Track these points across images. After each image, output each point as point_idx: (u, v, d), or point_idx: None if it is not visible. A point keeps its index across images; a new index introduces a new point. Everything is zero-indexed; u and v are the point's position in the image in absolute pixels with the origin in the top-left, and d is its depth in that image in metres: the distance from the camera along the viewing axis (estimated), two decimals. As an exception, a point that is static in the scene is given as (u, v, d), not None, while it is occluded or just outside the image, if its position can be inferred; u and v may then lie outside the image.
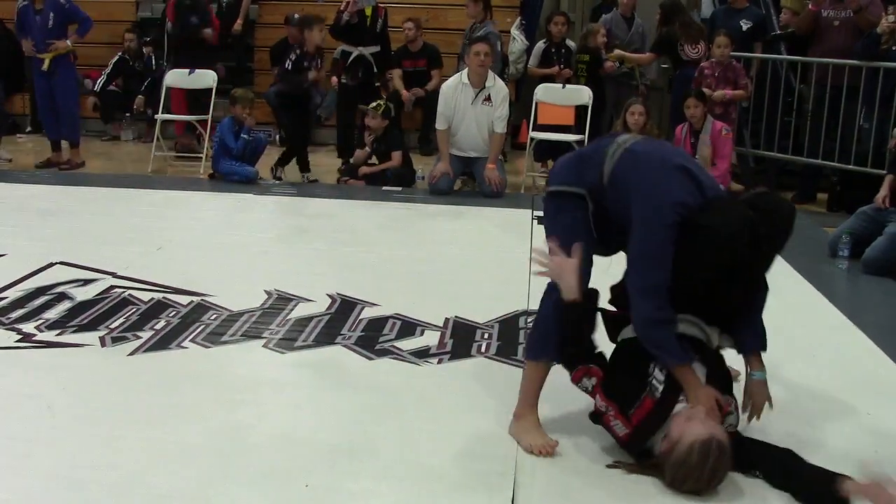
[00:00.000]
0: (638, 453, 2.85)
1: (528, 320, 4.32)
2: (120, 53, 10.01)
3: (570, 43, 8.84)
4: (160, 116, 8.71)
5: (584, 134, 8.22)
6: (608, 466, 2.89)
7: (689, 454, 2.64)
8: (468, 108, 7.54)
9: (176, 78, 8.91)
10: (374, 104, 7.87)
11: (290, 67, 8.05)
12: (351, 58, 8.53)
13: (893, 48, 7.29)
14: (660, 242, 2.80)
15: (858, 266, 5.62)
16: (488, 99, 7.55)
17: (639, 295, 2.89)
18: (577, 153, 3.35)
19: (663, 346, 2.84)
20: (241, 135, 7.68)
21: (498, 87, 7.62)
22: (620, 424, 2.84)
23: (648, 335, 2.88)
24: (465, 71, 7.63)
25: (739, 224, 2.75)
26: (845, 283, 5.43)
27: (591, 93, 8.34)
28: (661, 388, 2.81)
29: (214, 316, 4.23)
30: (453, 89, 7.61)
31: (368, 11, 8.47)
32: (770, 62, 8.28)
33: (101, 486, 2.72)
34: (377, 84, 8.87)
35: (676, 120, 7.78)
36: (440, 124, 7.65)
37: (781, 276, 4.09)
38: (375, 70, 8.72)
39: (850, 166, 7.62)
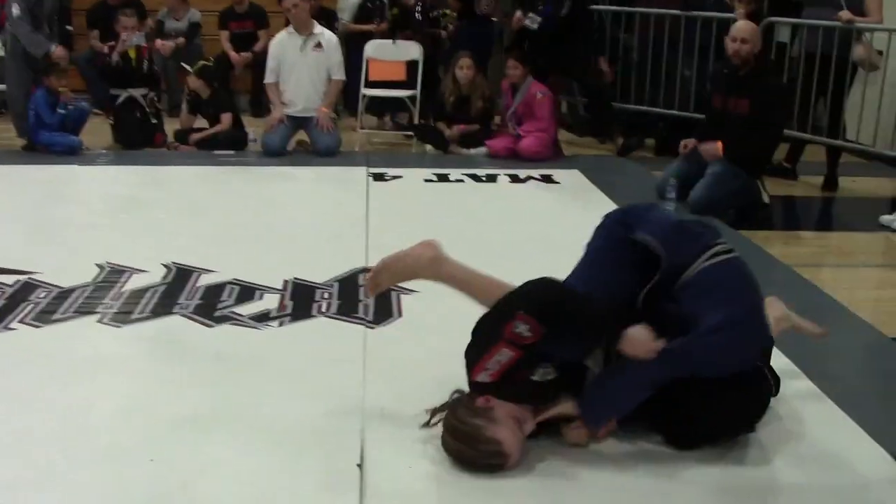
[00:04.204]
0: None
1: (368, 277, 4.33)
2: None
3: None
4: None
5: (415, 89, 8.26)
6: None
7: (469, 431, 2.64)
8: (298, 57, 7.52)
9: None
10: (196, 66, 7.74)
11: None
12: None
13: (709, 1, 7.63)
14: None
15: (685, 207, 5.86)
16: (319, 46, 7.52)
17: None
18: (677, 222, 2.99)
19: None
20: (58, 109, 7.34)
21: (328, 36, 7.64)
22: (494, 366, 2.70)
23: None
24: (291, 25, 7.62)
25: None
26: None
27: (421, 48, 8.37)
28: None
29: (44, 294, 4.09)
30: (280, 42, 7.63)
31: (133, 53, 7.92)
32: (596, 13, 8.45)
33: (-67, 479, 2.62)
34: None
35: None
36: (269, 78, 7.63)
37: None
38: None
39: (675, 111, 7.93)
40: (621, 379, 2.73)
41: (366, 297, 2.99)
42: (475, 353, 2.73)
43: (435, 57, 8.84)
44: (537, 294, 2.65)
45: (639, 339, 2.64)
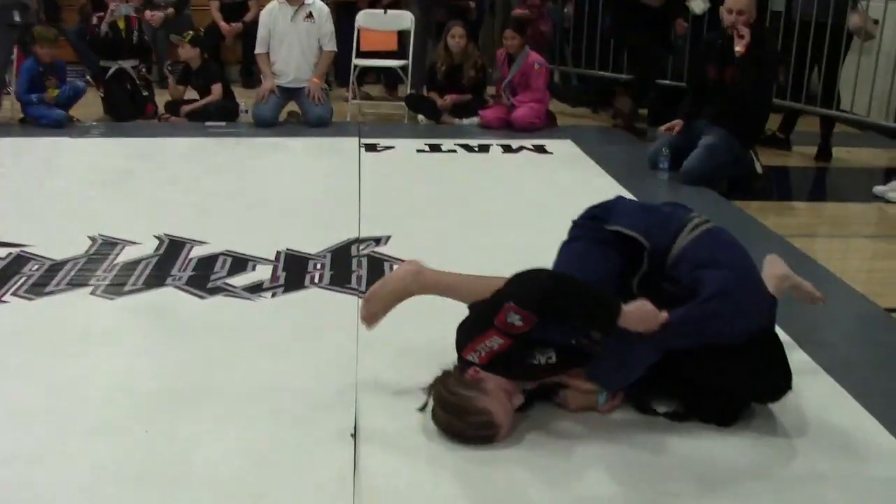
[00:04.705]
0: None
1: (361, 248, 4.34)
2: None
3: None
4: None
5: (407, 59, 8.23)
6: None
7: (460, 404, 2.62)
8: (288, 27, 7.47)
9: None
10: (184, 34, 7.69)
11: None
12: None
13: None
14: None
15: (678, 177, 5.86)
16: (310, 16, 7.47)
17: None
18: (646, 206, 3.06)
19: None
20: (58, 88, 7.33)
21: (319, 6, 7.59)
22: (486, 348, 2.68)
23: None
24: None
25: None
26: (667, 194, 5.62)
27: (412, 17, 8.32)
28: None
29: (36, 267, 4.07)
30: (270, 12, 7.58)
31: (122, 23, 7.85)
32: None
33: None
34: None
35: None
36: (259, 48, 7.60)
37: (606, 189, 4.23)
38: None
39: (668, 81, 7.90)
40: (630, 344, 2.68)
41: (367, 328, 2.97)
42: (466, 337, 2.73)
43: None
44: (531, 286, 2.63)
45: (641, 314, 2.62)
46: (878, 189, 5.83)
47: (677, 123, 6.12)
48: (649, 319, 2.62)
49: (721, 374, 2.71)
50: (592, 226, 2.92)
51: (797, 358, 3.18)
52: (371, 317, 2.96)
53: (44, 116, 7.25)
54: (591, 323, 2.66)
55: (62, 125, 7.23)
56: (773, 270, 3.27)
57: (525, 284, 2.64)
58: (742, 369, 2.72)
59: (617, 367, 2.74)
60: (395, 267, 4.02)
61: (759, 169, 6.08)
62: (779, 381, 2.80)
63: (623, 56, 8.30)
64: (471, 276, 2.95)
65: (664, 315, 2.62)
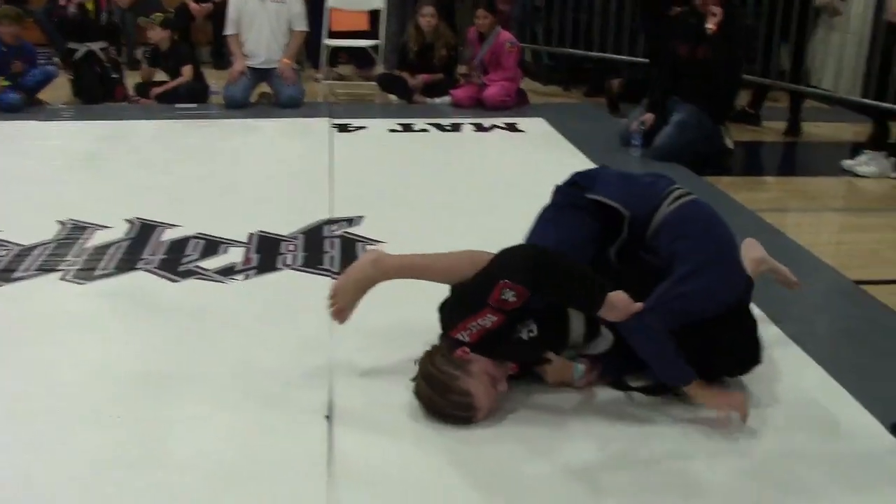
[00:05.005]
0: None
1: (333, 228, 4.33)
2: None
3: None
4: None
5: (378, 39, 8.20)
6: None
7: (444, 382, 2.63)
8: (258, 8, 7.42)
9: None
10: (154, 16, 7.62)
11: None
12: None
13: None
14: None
15: (649, 153, 5.88)
16: None
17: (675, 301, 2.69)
18: (629, 176, 3.07)
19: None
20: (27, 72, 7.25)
21: None
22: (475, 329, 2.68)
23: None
24: None
25: None
26: (639, 170, 5.64)
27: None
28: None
29: (4, 252, 4.03)
30: None
31: (90, 5, 7.76)
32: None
33: None
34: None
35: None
36: (230, 29, 7.54)
37: (578, 166, 4.22)
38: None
39: (638, 59, 7.91)
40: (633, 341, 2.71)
41: (338, 324, 2.96)
42: (456, 317, 2.71)
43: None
44: (522, 261, 2.63)
45: (615, 301, 2.62)
46: (847, 163, 5.87)
47: (648, 118, 6.09)
48: (621, 308, 2.63)
49: (694, 350, 2.72)
50: (572, 192, 2.94)
51: (769, 331, 3.21)
52: (339, 311, 2.94)
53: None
54: (577, 299, 2.67)
55: (18, 109, 7.08)
56: (750, 254, 3.29)
57: (516, 260, 2.64)
58: (715, 343, 2.74)
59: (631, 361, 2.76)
60: (367, 248, 4.03)
61: (729, 144, 6.12)
62: (749, 353, 2.83)
63: (593, 35, 8.30)
64: (431, 254, 2.94)
65: (637, 305, 2.62)
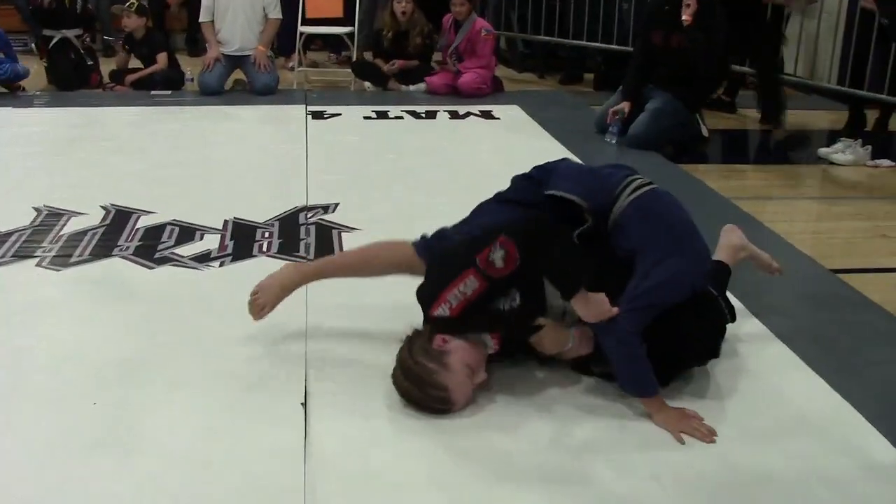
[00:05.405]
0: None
1: (309, 215, 4.32)
2: None
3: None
4: None
5: (353, 25, 8.17)
6: None
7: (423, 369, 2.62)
8: None
9: None
10: (128, 4, 7.57)
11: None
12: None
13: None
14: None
15: (624, 141, 5.89)
16: None
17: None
18: (587, 169, 3.10)
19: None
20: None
21: None
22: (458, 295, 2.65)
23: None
24: None
25: None
26: (614, 158, 5.66)
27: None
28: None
29: (-21, 239, 4.02)
30: None
31: None
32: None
33: None
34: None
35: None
36: (204, 16, 7.51)
37: (553, 154, 4.24)
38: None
39: (614, 46, 7.94)
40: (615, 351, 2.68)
41: (254, 320, 3.01)
42: (437, 285, 2.69)
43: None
44: (525, 223, 2.63)
45: (592, 302, 2.62)
46: (823, 151, 5.91)
47: (625, 107, 6.09)
48: (595, 309, 2.62)
49: (659, 339, 2.69)
50: (525, 186, 2.96)
51: (747, 322, 3.23)
52: (259, 308, 3.00)
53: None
54: (559, 279, 2.63)
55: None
56: (729, 240, 3.29)
57: (519, 222, 2.66)
58: (677, 333, 2.72)
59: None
60: (343, 235, 4.03)
61: (704, 132, 6.15)
62: (709, 346, 2.85)
63: (567, 23, 8.31)
64: (348, 251, 3.08)
65: (614, 310, 2.62)
